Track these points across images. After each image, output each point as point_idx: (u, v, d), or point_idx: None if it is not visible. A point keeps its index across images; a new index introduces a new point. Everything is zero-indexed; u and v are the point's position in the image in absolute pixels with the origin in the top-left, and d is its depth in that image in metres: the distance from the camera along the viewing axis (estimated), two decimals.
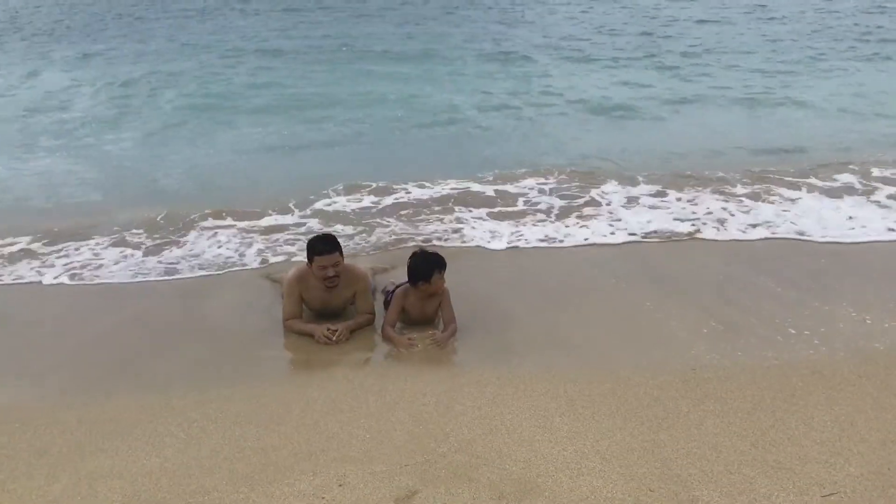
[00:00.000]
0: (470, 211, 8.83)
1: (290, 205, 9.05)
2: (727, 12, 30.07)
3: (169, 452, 4.22)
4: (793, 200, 8.84)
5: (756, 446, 4.05)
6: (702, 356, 5.20)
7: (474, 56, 20.42)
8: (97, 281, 7.03)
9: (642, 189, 9.41)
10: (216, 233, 8.27)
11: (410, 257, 5.73)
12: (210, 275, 7.12)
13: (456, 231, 8.11)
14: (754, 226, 8.00)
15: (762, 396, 4.59)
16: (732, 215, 8.36)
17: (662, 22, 27.39)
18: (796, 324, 5.69)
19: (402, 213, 8.81)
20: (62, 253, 7.70)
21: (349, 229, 8.18)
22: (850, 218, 8.14)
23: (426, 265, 5.60)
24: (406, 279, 5.76)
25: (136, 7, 35.04)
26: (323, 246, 5.60)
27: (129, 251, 7.75)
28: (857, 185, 9.38)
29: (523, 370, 5.04)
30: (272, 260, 7.46)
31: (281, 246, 7.86)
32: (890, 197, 8.91)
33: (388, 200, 9.27)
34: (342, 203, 9.22)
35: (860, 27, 24.67)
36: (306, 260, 5.73)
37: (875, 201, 8.79)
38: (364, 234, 8.12)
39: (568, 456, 4.03)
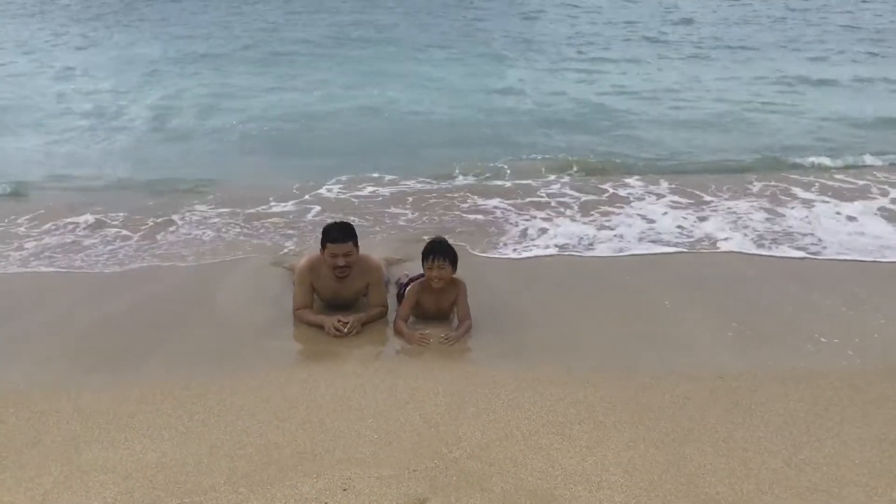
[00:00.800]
0: (487, 202, 8.69)
1: (295, 191, 9.05)
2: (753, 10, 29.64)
3: (167, 446, 4.02)
4: (810, 207, 8.58)
5: (789, 465, 3.80)
6: (728, 364, 4.94)
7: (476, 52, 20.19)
8: (95, 267, 6.83)
9: (660, 189, 9.22)
10: (221, 218, 8.14)
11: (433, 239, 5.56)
12: (217, 261, 6.93)
13: (474, 231, 7.85)
14: (774, 234, 7.68)
15: (794, 409, 4.33)
16: (751, 221, 8.06)
17: (675, 20, 26.93)
18: (826, 332, 5.43)
19: (415, 204, 8.65)
20: (53, 235, 7.59)
21: (362, 219, 7.98)
22: (863, 234, 7.76)
23: (431, 246, 5.43)
24: (420, 272, 5.55)
25: None
26: (337, 233, 5.38)
27: (126, 235, 7.61)
28: (874, 191, 9.17)
29: (540, 372, 4.80)
30: (281, 247, 7.30)
31: (288, 232, 7.74)
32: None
33: (397, 192, 9.14)
34: (349, 192, 9.11)
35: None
36: (320, 246, 5.50)
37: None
38: (376, 225, 7.95)
39: (587, 467, 3.79)
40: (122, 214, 8.19)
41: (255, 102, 14.26)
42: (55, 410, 4.37)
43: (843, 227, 7.91)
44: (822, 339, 5.29)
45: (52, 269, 6.76)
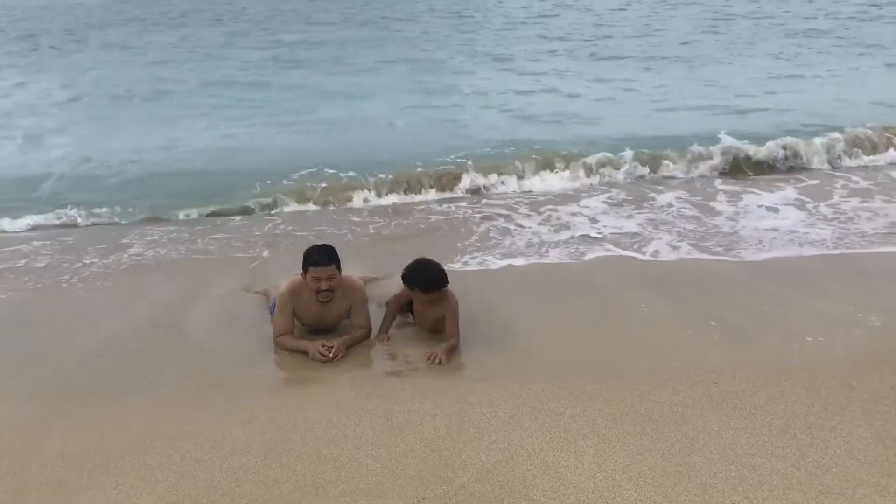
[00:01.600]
0: (446, 209, 9.03)
1: (250, 204, 9.28)
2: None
3: (161, 489, 3.85)
4: (738, 198, 9.15)
5: (798, 468, 3.79)
6: (721, 368, 4.92)
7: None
8: (55, 296, 6.61)
9: (606, 188, 9.72)
10: (175, 242, 8.02)
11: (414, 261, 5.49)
12: (184, 288, 6.74)
13: (440, 239, 7.89)
14: (717, 233, 7.91)
15: (794, 411, 4.33)
16: (694, 221, 8.34)
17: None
18: (809, 329, 5.46)
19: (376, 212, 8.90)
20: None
21: (331, 230, 7.91)
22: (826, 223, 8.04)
23: (416, 275, 5.39)
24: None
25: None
26: (319, 257, 5.25)
27: (79, 263, 7.39)
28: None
29: (536, 387, 4.72)
30: (247, 269, 7.22)
31: (238, 246, 7.79)
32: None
33: (357, 204, 9.45)
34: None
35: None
36: (301, 271, 5.36)
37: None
38: (348, 235, 8.00)
39: (599, 483, 3.74)
40: (69, 240, 8.08)
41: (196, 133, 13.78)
42: (38, 456, 4.16)
43: (783, 222, 8.19)
44: (808, 338, 5.32)
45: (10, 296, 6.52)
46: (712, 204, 8.90)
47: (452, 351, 5.28)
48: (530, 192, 9.69)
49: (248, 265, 7.27)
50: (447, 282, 5.38)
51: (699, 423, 4.24)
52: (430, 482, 3.81)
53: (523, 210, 8.81)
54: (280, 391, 5.00)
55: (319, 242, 5.59)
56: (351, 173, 10.11)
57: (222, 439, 4.28)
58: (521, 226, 8.24)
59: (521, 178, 10.04)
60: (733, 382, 4.69)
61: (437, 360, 5.13)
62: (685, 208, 8.77)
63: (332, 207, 9.34)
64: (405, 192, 9.68)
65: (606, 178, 10.14)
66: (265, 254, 7.54)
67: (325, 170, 10.29)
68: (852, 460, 3.85)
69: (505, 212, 8.76)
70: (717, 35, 24.50)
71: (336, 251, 5.36)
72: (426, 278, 5.34)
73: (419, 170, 10.21)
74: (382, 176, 9.94)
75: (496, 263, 7.15)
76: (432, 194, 9.66)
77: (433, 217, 8.72)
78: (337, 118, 14.25)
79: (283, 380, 5.15)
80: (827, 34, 23.51)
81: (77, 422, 4.53)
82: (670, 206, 8.87)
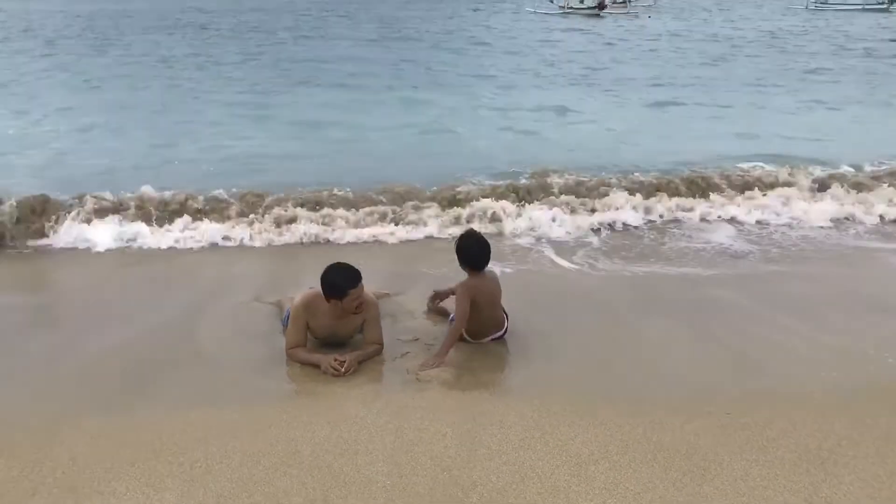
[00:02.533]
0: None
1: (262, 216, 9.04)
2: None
3: (171, 496, 3.86)
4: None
5: (811, 503, 3.77)
6: (733, 396, 4.89)
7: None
8: (62, 303, 6.67)
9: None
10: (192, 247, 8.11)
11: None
12: (194, 297, 6.76)
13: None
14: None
15: (806, 445, 4.31)
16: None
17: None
18: (812, 358, 5.48)
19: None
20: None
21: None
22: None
23: (459, 240, 5.69)
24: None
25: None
26: (353, 277, 5.26)
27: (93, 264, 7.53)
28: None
29: (547, 410, 4.71)
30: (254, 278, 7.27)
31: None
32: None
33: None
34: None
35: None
36: (330, 293, 5.30)
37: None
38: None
39: None
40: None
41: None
42: (49, 459, 4.16)
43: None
44: (822, 374, 5.28)
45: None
46: (712, 223, 9.17)
47: (439, 359, 5.35)
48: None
49: (261, 275, 7.32)
50: (467, 261, 5.57)
51: (710, 453, 4.23)
52: (440, 501, 3.80)
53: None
54: (291, 403, 4.98)
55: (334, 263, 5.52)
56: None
57: (233, 449, 4.29)
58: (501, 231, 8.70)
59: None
60: (746, 414, 4.67)
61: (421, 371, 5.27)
62: (682, 226, 9.08)
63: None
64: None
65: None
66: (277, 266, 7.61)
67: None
68: (866, 498, 3.82)
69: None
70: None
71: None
72: (459, 247, 5.62)
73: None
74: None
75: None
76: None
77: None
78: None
79: (294, 392, 5.15)
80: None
81: (89, 426, 4.53)
82: (663, 222, 9.20)
